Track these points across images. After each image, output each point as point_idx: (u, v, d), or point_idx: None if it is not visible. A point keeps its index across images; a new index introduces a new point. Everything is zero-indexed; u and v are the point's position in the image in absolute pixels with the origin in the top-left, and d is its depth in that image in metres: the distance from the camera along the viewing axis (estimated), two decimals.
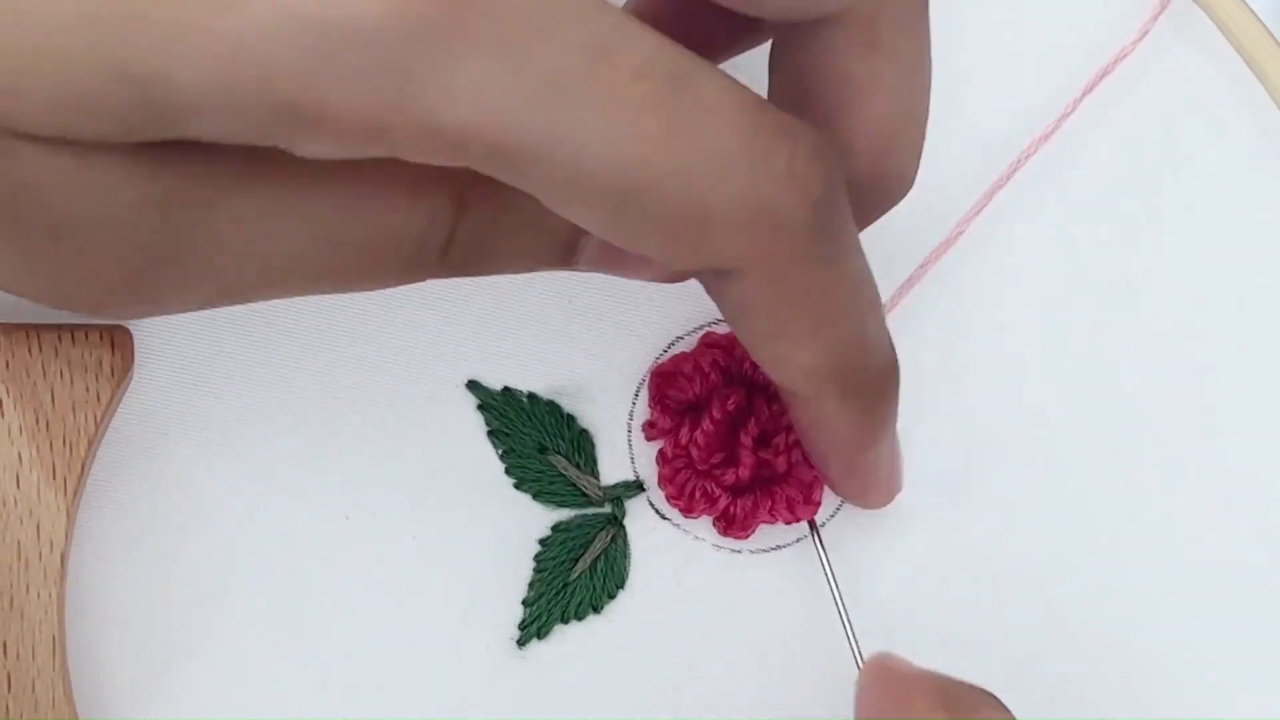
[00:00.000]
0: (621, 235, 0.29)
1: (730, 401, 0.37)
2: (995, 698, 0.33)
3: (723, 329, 0.39)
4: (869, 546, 0.38)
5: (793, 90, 0.33)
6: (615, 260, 0.33)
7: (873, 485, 0.37)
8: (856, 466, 0.36)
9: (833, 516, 0.38)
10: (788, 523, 0.38)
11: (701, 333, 0.39)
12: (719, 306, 0.32)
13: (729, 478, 0.37)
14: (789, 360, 0.32)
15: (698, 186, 0.28)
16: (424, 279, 0.32)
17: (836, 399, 0.33)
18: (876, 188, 0.33)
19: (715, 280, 0.31)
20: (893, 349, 0.34)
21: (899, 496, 0.38)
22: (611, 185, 0.28)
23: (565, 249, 0.33)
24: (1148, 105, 0.40)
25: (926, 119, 0.33)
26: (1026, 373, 0.39)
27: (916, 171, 0.34)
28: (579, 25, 0.28)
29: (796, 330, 0.31)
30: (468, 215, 0.31)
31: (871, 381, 0.33)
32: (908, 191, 0.34)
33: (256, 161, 0.29)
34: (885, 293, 0.38)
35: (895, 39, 0.32)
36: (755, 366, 0.38)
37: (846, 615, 0.37)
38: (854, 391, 0.33)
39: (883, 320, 0.33)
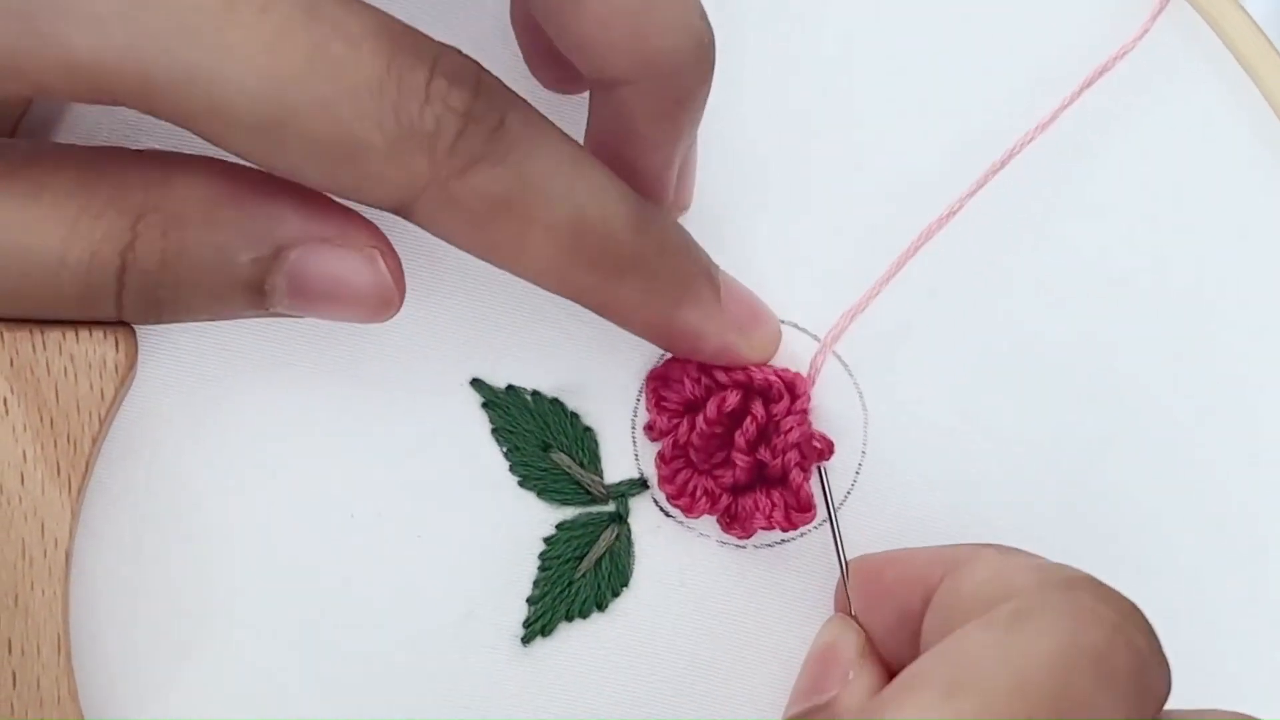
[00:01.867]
0: (281, 167, 0.30)
1: (727, 401, 0.37)
2: None
3: None
4: (878, 534, 0.38)
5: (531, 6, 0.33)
6: (306, 302, 0.33)
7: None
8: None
9: (845, 499, 0.38)
10: (784, 529, 0.38)
11: None
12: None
13: (728, 478, 0.37)
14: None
15: (341, 116, 0.29)
16: (106, 315, 0.33)
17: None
18: (658, 66, 0.33)
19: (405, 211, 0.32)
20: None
21: (906, 494, 0.38)
22: (255, 119, 0.29)
23: (251, 290, 0.33)
24: (1140, 102, 0.41)
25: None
26: (1015, 365, 0.39)
27: (696, 43, 0.34)
28: None
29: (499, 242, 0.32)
30: (137, 248, 0.32)
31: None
32: (704, 57, 0.34)
33: None
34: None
35: None
36: (751, 368, 0.38)
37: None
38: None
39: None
